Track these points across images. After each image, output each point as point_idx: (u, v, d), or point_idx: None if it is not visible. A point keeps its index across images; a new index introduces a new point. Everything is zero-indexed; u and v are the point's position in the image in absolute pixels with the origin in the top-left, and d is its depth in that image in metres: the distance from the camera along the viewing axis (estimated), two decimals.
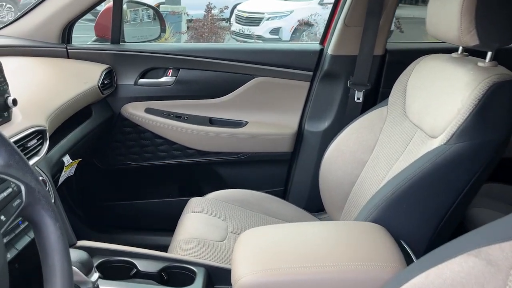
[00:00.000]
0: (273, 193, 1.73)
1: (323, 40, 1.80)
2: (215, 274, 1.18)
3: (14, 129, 0.99)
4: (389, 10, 1.63)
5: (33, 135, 1.05)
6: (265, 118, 1.81)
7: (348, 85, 1.71)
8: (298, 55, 1.79)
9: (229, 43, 7.14)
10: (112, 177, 1.90)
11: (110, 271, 1.11)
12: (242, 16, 8.05)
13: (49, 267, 0.64)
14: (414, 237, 1.10)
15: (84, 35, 2.18)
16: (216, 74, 1.77)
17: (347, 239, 1.05)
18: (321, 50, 1.77)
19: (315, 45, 1.82)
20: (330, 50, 1.72)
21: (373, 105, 1.58)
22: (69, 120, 1.38)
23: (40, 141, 1.08)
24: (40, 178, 1.07)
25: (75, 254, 0.91)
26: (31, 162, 1.01)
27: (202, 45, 1.84)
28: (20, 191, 0.63)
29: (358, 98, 1.69)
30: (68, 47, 1.68)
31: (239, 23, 8.04)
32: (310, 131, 1.80)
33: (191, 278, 1.14)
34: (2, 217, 0.58)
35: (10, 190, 0.60)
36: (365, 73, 1.67)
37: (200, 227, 1.40)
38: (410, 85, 1.36)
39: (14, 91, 1.16)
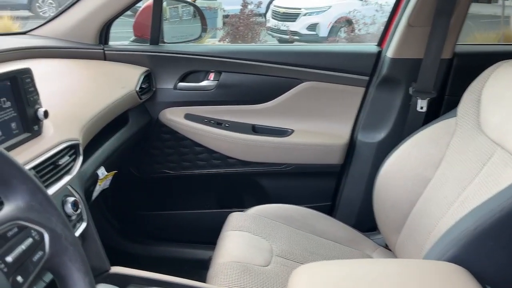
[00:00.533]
0: (319, 208, 1.58)
1: (381, 42, 1.62)
2: None
3: (44, 145, 0.88)
4: (462, 7, 1.43)
5: (66, 150, 0.94)
6: (313, 127, 1.65)
7: (410, 92, 1.52)
8: (352, 57, 1.62)
9: (276, 44, 7.00)
10: (149, 186, 1.79)
11: None
12: (279, 12, 7.92)
13: None
14: (502, 282, 0.93)
15: (121, 31, 2.08)
16: (261, 77, 1.63)
17: (424, 283, 0.88)
18: (379, 53, 1.60)
19: (372, 47, 1.64)
20: (390, 52, 1.55)
21: (435, 115, 1.40)
22: (104, 128, 1.28)
23: (73, 157, 0.97)
24: (73, 198, 0.97)
25: None
26: (63, 181, 0.90)
27: (246, 47, 1.70)
28: (42, 239, 0.51)
29: (421, 107, 1.51)
30: (105, 49, 1.58)
31: (275, 19, 7.91)
32: (364, 142, 1.63)
33: None
34: (19, 278, 0.46)
35: (30, 240, 0.48)
36: (430, 79, 1.48)
37: (242, 248, 1.27)
38: (486, 94, 1.17)
39: (46, 98, 1.06)
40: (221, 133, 1.63)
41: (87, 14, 1.51)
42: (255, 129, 1.66)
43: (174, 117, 1.63)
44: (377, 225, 1.42)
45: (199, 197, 1.81)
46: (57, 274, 0.53)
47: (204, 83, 1.65)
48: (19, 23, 6.21)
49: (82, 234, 1.00)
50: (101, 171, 1.23)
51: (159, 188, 1.80)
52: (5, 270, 0.44)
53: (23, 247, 0.47)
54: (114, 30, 1.67)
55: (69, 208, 0.93)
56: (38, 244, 0.50)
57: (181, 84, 1.64)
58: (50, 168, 0.88)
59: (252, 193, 1.78)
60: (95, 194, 1.23)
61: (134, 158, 1.70)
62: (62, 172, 0.92)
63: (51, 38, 1.56)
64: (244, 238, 1.33)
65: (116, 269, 1.03)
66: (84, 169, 1.12)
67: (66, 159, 0.92)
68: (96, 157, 1.22)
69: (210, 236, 1.43)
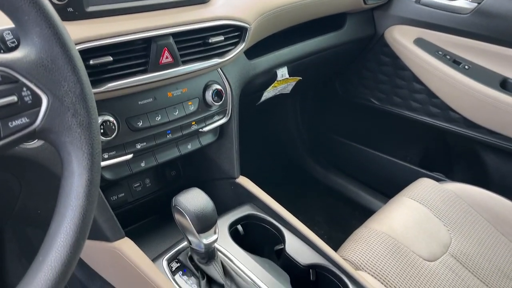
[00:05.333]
0: None
1: None
2: None
3: (202, 14, 0.76)
4: None
5: (226, 30, 0.80)
6: None
7: None
8: None
9: None
10: (350, 110, 1.57)
11: (252, 231, 0.85)
12: None
13: (48, 237, 0.41)
14: None
15: None
16: None
17: None
18: None
19: None
20: None
21: None
22: (306, 25, 1.08)
23: (234, 41, 0.83)
24: (216, 86, 0.85)
25: (198, 201, 0.68)
26: (208, 63, 0.78)
27: None
28: (36, 105, 0.39)
29: None
30: None
31: None
32: None
33: None
34: None
35: (12, 99, 0.37)
36: None
37: (410, 225, 0.98)
38: None
39: None
40: (455, 75, 1.21)
41: None
42: (505, 85, 1.17)
43: (402, 38, 1.29)
44: None
45: (401, 143, 1.49)
46: (58, 154, 0.42)
47: (459, 3, 1.21)
48: None
49: (221, 129, 0.90)
50: (282, 72, 1.07)
51: (359, 117, 1.56)
52: None
53: None
54: None
55: (209, 95, 0.82)
56: (25, 107, 0.38)
57: None
58: (198, 43, 0.76)
59: (467, 166, 1.34)
60: (267, 95, 1.10)
61: (341, 72, 1.47)
62: (212, 52, 0.79)
63: None
64: (418, 214, 1.01)
65: (242, 180, 0.91)
66: (256, 62, 0.98)
67: (219, 39, 0.78)
68: (281, 54, 1.05)
69: (392, 190, 1.16)
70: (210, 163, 0.92)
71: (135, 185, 0.89)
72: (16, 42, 0.45)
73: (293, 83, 1.14)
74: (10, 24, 0.46)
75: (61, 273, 0.39)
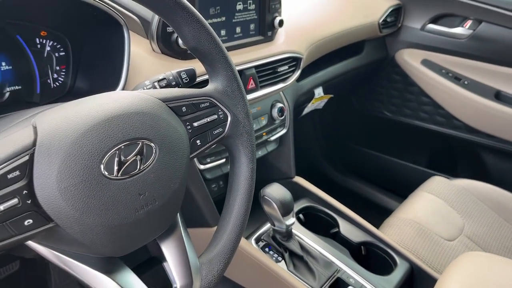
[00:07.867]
0: None
1: None
2: (419, 277, 0.99)
3: (271, 50, 0.98)
4: None
5: (288, 61, 1.03)
6: None
7: None
8: None
9: None
10: (365, 122, 1.80)
11: (311, 219, 1.07)
12: None
13: (228, 204, 0.62)
14: None
15: None
16: None
17: None
18: None
19: None
20: None
21: None
22: (335, 52, 1.31)
23: (293, 69, 1.05)
24: (280, 105, 1.07)
25: (281, 192, 0.89)
26: (277, 87, 1.00)
27: None
28: (225, 120, 0.60)
29: None
30: None
31: None
32: None
33: (389, 267, 0.99)
34: (198, 142, 0.56)
35: (215, 117, 0.58)
36: None
37: (430, 212, 1.19)
38: None
39: (288, 10, 1.15)
40: (457, 89, 1.45)
41: None
42: (499, 96, 1.42)
43: (411, 59, 1.53)
44: None
45: (411, 149, 1.72)
46: (230, 152, 0.63)
47: (457, 30, 1.47)
48: None
49: (280, 138, 1.11)
50: (318, 91, 1.30)
51: (373, 126, 1.79)
52: (190, 131, 0.55)
53: (208, 119, 0.57)
54: None
55: (275, 112, 1.03)
56: (220, 122, 0.59)
57: (431, 26, 1.50)
58: (269, 72, 0.98)
59: (470, 165, 1.58)
60: (306, 110, 1.32)
61: (358, 89, 1.71)
62: (279, 79, 1.01)
63: None
64: (436, 205, 1.23)
65: (299, 179, 1.12)
66: (302, 84, 1.20)
67: (284, 68, 1.00)
68: (317, 76, 1.28)
69: (405, 190, 1.38)
70: (271, 166, 1.13)
71: (212, 186, 1.10)
72: (188, 79, 0.66)
73: (326, 100, 1.37)
74: (175, 69, 0.67)
75: (240, 229, 0.60)
